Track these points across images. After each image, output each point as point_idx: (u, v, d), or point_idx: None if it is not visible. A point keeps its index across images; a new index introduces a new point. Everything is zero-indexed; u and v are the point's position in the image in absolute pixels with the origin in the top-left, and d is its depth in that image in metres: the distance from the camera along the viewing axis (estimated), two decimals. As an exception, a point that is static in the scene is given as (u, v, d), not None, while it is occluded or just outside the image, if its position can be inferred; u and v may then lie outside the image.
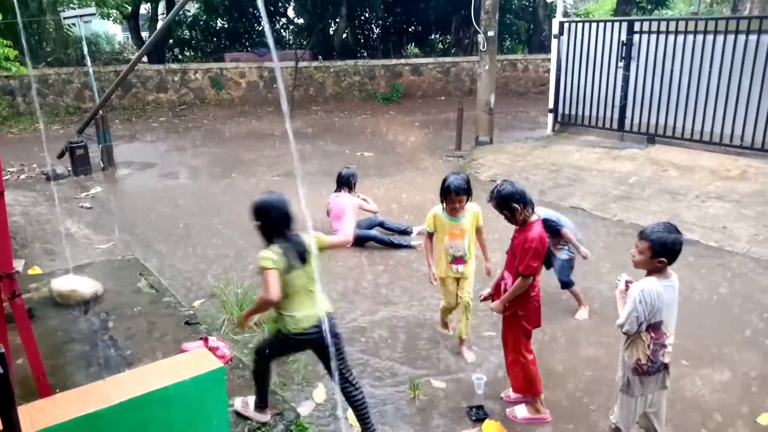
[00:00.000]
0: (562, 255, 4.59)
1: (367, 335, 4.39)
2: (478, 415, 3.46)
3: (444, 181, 3.84)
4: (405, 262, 5.77)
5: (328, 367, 3.08)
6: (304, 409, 3.48)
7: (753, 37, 7.71)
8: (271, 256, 2.88)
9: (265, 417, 3.24)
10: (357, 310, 4.79)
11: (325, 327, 2.92)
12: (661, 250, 2.66)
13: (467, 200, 3.86)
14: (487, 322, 4.47)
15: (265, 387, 3.22)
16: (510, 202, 3.19)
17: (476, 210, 3.96)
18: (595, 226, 6.71)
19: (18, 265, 5.37)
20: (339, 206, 6.17)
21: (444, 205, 3.88)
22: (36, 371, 3.02)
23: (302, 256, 2.96)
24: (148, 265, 5.53)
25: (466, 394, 3.67)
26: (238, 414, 3.25)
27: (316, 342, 2.99)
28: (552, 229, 4.23)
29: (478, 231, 4.02)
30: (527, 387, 3.40)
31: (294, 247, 2.95)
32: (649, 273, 2.76)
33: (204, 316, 4.55)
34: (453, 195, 3.77)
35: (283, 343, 3.06)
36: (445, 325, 4.41)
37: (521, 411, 3.42)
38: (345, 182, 6.28)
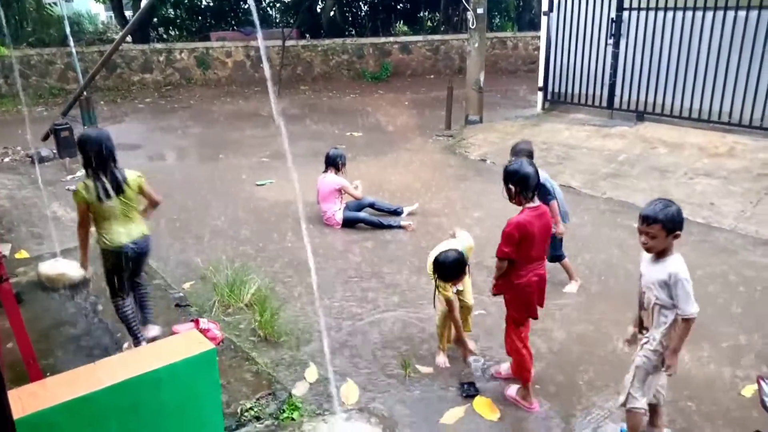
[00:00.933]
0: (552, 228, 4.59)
1: (358, 322, 4.41)
2: (469, 391, 3.50)
3: (438, 262, 3.47)
4: (397, 242, 5.77)
5: (132, 278, 3.72)
6: (297, 388, 3.49)
7: (742, 13, 7.70)
8: (81, 189, 3.43)
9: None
10: (348, 294, 4.80)
11: (140, 246, 3.60)
12: (673, 225, 2.66)
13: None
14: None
15: (131, 324, 3.68)
16: (508, 181, 3.19)
17: (469, 244, 3.75)
18: (584, 204, 6.73)
19: (5, 249, 5.32)
20: (324, 187, 6.14)
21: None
22: (26, 355, 3.00)
23: (118, 188, 3.45)
24: (137, 248, 5.49)
25: (457, 374, 3.70)
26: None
27: (130, 257, 3.56)
28: (542, 195, 4.15)
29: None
30: (516, 371, 3.44)
31: (110, 179, 3.44)
32: (662, 253, 2.73)
33: (194, 299, 4.54)
34: (453, 279, 3.54)
35: (107, 260, 3.58)
36: (444, 351, 3.84)
37: (512, 390, 3.48)
38: (332, 163, 6.20)
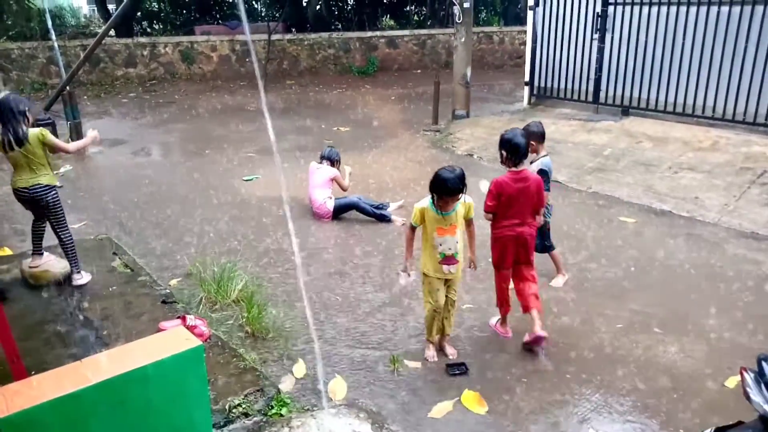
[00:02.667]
0: (540, 220, 4.62)
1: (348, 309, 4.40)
2: (456, 371, 3.60)
3: (438, 176, 3.44)
4: (386, 237, 5.77)
5: (42, 220, 4.58)
6: (285, 384, 3.49)
7: (725, 9, 7.78)
8: None
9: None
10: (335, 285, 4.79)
11: (32, 192, 4.31)
12: None
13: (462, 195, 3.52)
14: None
15: (35, 240, 4.63)
16: (501, 147, 3.77)
17: (467, 201, 3.60)
18: (570, 198, 6.78)
19: (-13, 246, 5.25)
20: (317, 175, 6.28)
21: (434, 199, 3.51)
22: (10, 354, 2.97)
23: (18, 142, 4.18)
24: (122, 245, 5.45)
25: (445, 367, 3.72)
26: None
27: (24, 199, 4.38)
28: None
29: (469, 223, 3.69)
30: (497, 304, 4.02)
31: (13, 135, 4.17)
32: None
33: (181, 295, 4.51)
34: (447, 196, 3.43)
35: (15, 197, 4.45)
36: (433, 343, 3.83)
37: (492, 320, 4.11)
38: (327, 157, 6.41)
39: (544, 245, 4.70)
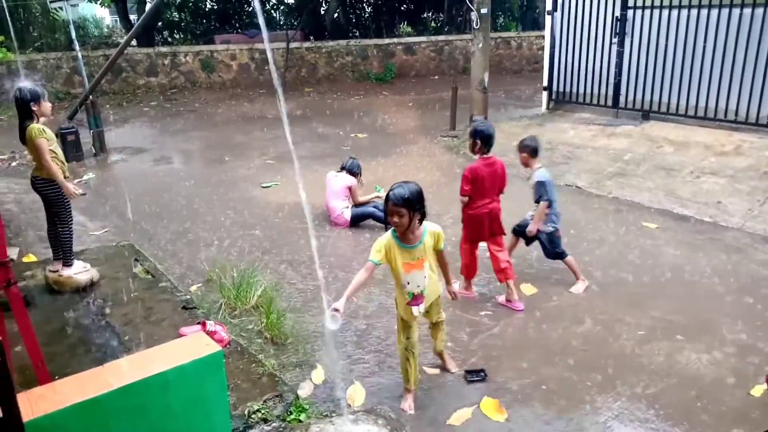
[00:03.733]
0: (547, 228, 4.64)
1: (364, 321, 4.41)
2: (473, 377, 3.57)
3: (389, 189, 3.12)
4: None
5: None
6: (303, 390, 3.50)
7: (747, 11, 7.66)
8: None
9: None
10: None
11: (32, 181, 4.50)
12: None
13: (415, 216, 3.07)
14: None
15: (53, 245, 4.74)
16: (474, 135, 4.36)
17: (435, 230, 3.24)
18: (590, 203, 6.72)
19: (12, 253, 5.34)
20: (335, 184, 6.29)
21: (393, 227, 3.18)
22: (34, 358, 3.02)
23: (23, 137, 4.34)
24: (144, 251, 5.52)
25: (464, 374, 3.69)
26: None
27: (34, 190, 4.55)
28: (537, 194, 4.59)
29: (439, 255, 3.33)
30: (462, 270, 4.59)
31: (20, 127, 4.36)
32: None
33: (201, 301, 4.55)
34: (390, 205, 3.04)
35: None
36: (410, 391, 3.40)
37: (458, 286, 4.46)
38: (348, 169, 6.37)
39: (556, 252, 4.69)
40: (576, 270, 4.75)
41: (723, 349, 3.86)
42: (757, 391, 3.41)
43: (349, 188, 6.25)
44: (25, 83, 4.44)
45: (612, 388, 3.50)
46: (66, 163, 4.62)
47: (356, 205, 6.31)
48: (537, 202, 4.57)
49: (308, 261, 5.30)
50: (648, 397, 3.41)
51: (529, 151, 4.59)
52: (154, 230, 6.19)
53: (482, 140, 4.32)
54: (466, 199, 4.38)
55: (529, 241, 4.81)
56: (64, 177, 4.49)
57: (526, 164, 4.66)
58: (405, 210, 3.01)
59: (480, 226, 4.43)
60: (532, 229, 4.59)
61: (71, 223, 4.66)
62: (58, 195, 4.49)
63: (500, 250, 4.48)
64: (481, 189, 4.35)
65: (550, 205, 4.54)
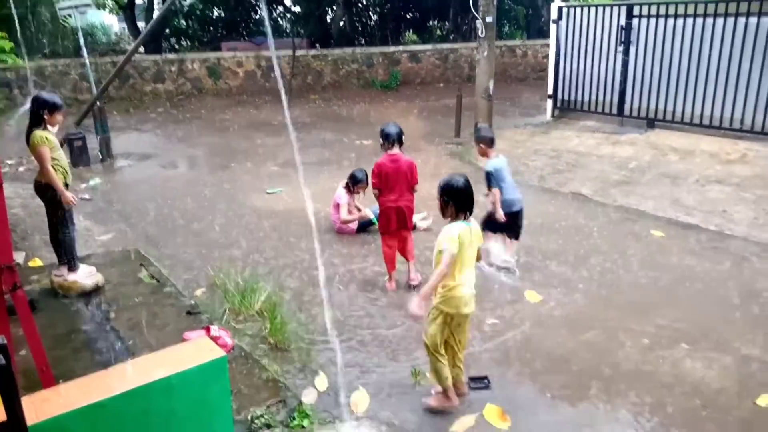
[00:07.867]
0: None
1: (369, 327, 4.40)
2: (476, 385, 3.56)
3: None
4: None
5: None
6: (307, 396, 3.49)
7: (753, 20, 7.66)
8: None
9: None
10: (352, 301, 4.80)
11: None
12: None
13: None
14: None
15: (56, 249, 4.78)
16: (380, 134, 4.80)
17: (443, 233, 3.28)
18: (595, 211, 6.70)
19: (19, 257, 5.37)
20: (335, 197, 6.30)
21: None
22: (39, 362, 3.03)
23: (28, 141, 4.40)
24: (149, 256, 5.54)
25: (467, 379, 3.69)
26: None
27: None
28: (488, 182, 4.88)
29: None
30: (385, 261, 4.91)
31: (27, 132, 4.41)
32: None
33: (205, 306, 4.56)
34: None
35: None
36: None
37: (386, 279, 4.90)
38: (350, 177, 6.37)
39: (487, 226, 4.84)
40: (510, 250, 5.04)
41: (728, 357, 3.84)
42: (763, 400, 3.39)
43: (337, 205, 6.21)
44: (46, 92, 4.57)
45: (616, 395, 3.48)
46: (68, 170, 4.63)
47: (341, 223, 6.22)
48: (489, 189, 4.88)
49: (312, 266, 5.31)
50: (653, 406, 3.39)
51: (486, 141, 4.95)
52: (159, 235, 6.21)
53: (383, 137, 4.77)
54: (377, 191, 4.80)
55: (497, 228, 4.96)
56: (66, 184, 4.51)
57: (483, 154, 5.00)
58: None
59: (388, 219, 4.80)
60: (500, 216, 4.84)
61: (72, 228, 4.70)
62: (58, 200, 4.52)
63: (407, 242, 4.93)
64: (387, 183, 4.71)
65: (501, 191, 4.84)
